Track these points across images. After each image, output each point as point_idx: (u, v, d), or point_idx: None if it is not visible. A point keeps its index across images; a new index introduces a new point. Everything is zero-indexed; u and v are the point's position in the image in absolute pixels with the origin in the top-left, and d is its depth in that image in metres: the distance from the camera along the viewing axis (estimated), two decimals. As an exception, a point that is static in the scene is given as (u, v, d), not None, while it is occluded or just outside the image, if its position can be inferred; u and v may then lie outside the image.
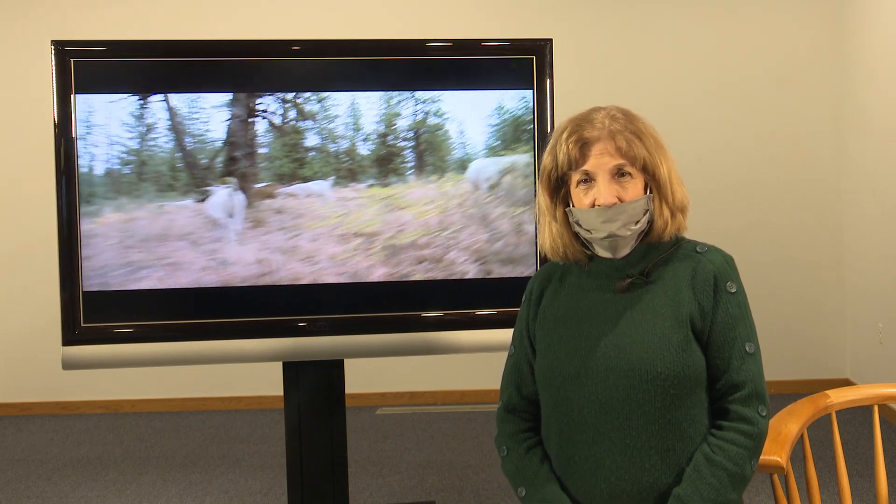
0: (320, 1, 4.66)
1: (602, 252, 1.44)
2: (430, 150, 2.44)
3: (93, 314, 2.32)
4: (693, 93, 4.68)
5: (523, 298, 1.59)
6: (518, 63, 2.43)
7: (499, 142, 2.42)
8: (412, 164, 2.44)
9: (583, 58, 4.61)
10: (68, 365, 2.33)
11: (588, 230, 1.41)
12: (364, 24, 4.63)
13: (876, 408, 1.65)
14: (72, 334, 2.32)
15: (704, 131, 4.64)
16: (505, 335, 2.41)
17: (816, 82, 4.70)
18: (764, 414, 1.38)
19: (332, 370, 2.48)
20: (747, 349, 1.39)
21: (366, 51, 2.42)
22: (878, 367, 4.28)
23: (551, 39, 2.45)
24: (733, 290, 1.41)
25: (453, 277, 2.42)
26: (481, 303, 2.42)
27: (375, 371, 4.60)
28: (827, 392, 1.66)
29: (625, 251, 1.42)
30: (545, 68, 2.43)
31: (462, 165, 2.43)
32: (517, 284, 2.43)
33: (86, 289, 2.32)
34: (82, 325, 2.32)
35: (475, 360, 4.31)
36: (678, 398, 1.36)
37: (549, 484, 1.44)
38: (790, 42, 4.70)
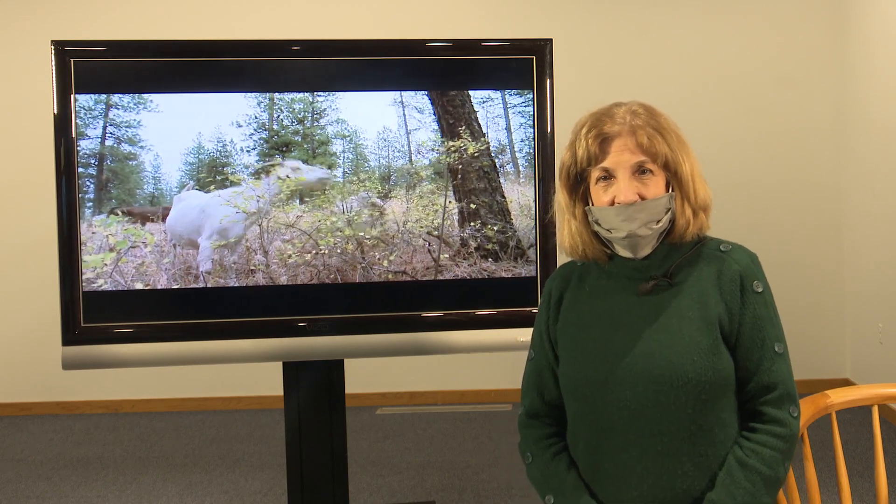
0: (320, 1, 4.66)
1: (622, 251, 1.40)
2: (115, 182, 2.25)
3: (93, 314, 2.32)
4: (692, 92, 4.67)
5: (541, 301, 1.54)
6: (518, 63, 2.43)
7: (191, 181, 2.29)
8: (91, 196, 2.25)
9: (582, 58, 4.61)
10: (68, 365, 2.33)
11: (608, 229, 1.38)
12: (364, 24, 4.63)
13: (876, 408, 1.65)
14: (72, 334, 2.32)
15: (704, 131, 4.63)
16: (505, 335, 2.43)
17: (816, 81, 4.70)
18: (795, 415, 1.35)
19: (332, 370, 2.48)
20: (776, 350, 1.36)
21: (366, 51, 2.42)
22: (878, 367, 4.28)
23: (551, 39, 2.45)
24: (760, 290, 1.37)
25: (453, 277, 2.42)
26: (481, 303, 2.42)
27: (375, 371, 4.60)
28: (827, 392, 1.66)
29: (646, 251, 1.39)
30: (545, 68, 2.43)
31: (151, 202, 2.26)
32: (517, 284, 2.43)
33: (86, 289, 2.32)
34: (82, 325, 2.32)
35: (475, 360, 4.32)
36: (709, 403, 1.32)
37: (578, 492, 1.40)
38: (790, 41, 4.70)
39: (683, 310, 1.36)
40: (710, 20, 4.71)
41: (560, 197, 1.45)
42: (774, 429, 1.34)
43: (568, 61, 3.97)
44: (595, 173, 1.38)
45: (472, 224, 2.41)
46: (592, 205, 1.40)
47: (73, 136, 2.30)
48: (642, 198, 1.35)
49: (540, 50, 2.43)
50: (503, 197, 2.42)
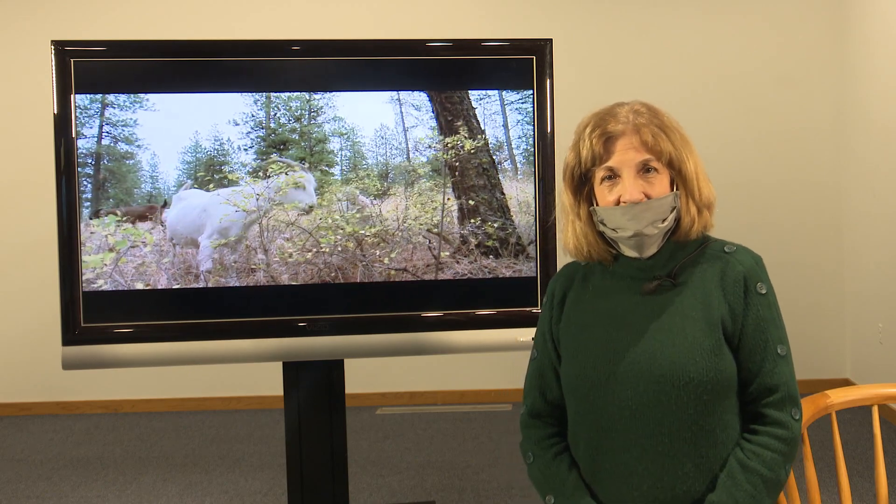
0: (320, 1, 4.66)
1: (628, 251, 1.39)
2: (112, 182, 2.25)
3: (93, 314, 2.32)
4: (692, 92, 4.67)
5: (544, 301, 1.54)
6: (518, 63, 2.43)
7: (189, 180, 2.29)
8: (88, 195, 2.24)
9: (582, 58, 4.61)
10: (68, 365, 2.33)
11: (614, 229, 1.37)
12: (364, 24, 4.63)
13: (876, 408, 1.65)
14: (72, 334, 2.32)
15: (704, 131, 4.62)
16: (505, 335, 2.43)
17: (816, 81, 4.70)
18: (797, 417, 1.35)
19: (332, 370, 2.48)
20: (779, 351, 1.35)
21: (366, 51, 2.42)
22: (878, 367, 4.28)
23: (551, 39, 2.45)
24: (763, 292, 1.37)
25: (453, 277, 2.42)
26: (481, 303, 2.42)
27: (375, 371, 4.60)
28: (827, 392, 1.66)
29: (651, 250, 1.38)
30: (545, 68, 2.43)
31: (149, 201, 2.25)
32: (517, 284, 2.43)
33: (86, 289, 2.32)
34: (82, 325, 2.32)
35: (475, 360, 4.32)
36: (711, 404, 1.32)
37: (579, 493, 1.40)
38: (790, 41, 4.70)
39: (686, 310, 1.36)
40: (710, 20, 4.71)
41: (564, 198, 1.44)
42: (776, 431, 1.34)
43: (568, 61, 3.97)
44: (599, 173, 1.37)
45: (471, 221, 2.41)
46: (597, 205, 1.39)
47: (73, 136, 2.30)
48: (648, 196, 1.34)
49: (540, 50, 2.43)
50: (502, 194, 2.42)
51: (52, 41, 2.31)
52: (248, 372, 4.39)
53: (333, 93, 2.37)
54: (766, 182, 4.71)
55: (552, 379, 1.49)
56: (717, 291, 1.37)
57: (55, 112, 2.30)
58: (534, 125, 2.42)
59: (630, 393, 1.34)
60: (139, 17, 4.61)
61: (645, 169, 1.35)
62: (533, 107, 2.43)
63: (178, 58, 2.40)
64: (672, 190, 1.37)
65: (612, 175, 1.36)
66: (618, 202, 1.35)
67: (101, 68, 2.34)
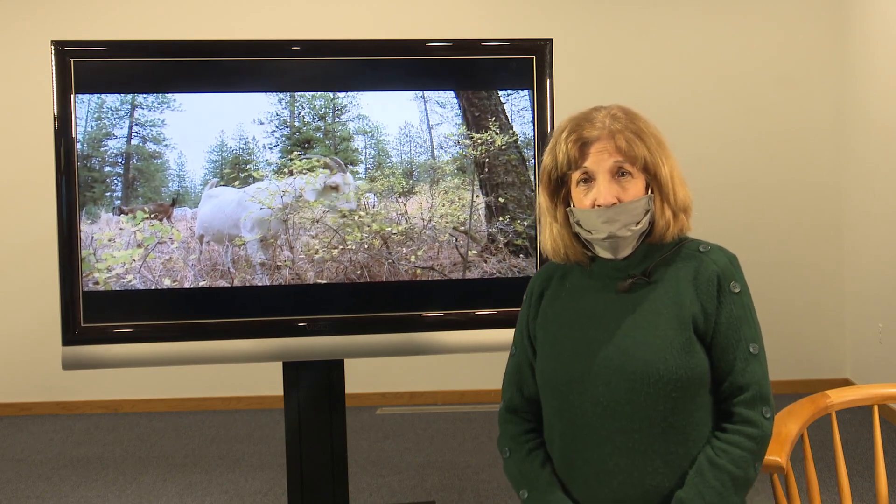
0: (320, 1, 4.67)
1: (603, 253, 1.42)
2: (141, 180, 2.28)
3: (93, 314, 2.32)
4: (692, 92, 4.68)
5: (524, 298, 1.57)
6: (518, 63, 2.43)
7: (216, 178, 2.31)
8: (118, 194, 2.27)
9: (582, 58, 4.61)
10: (68, 365, 2.33)
11: (588, 231, 1.40)
12: (364, 23, 4.63)
13: (876, 408, 1.65)
14: (72, 334, 2.32)
15: (704, 131, 4.64)
16: (505, 335, 2.42)
17: (816, 81, 4.70)
18: (768, 416, 1.37)
19: (332, 370, 2.48)
20: (751, 350, 1.37)
21: (366, 51, 2.42)
22: (878, 367, 4.28)
23: (551, 39, 2.45)
24: (737, 290, 1.39)
25: (453, 277, 2.42)
26: (481, 303, 2.42)
27: (375, 371, 4.60)
28: (827, 392, 1.66)
29: (626, 252, 1.41)
30: (545, 68, 2.43)
31: (175, 199, 2.27)
32: (517, 284, 2.43)
33: (86, 289, 2.32)
34: (82, 325, 2.32)
35: (475, 360, 4.31)
36: (681, 401, 1.34)
37: (551, 488, 1.42)
38: (790, 41, 4.70)
39: (659, 308, 1.38)
40: (710, 20, 4.71)
41: (541, 200, 1.47)
42: (746, 429, 1.35)
43: (568, 61, 3.97)
44: (575, 176, 1.40)
45: (500, 219, 2.40)
46: (574, 207, 1.42)
47: (73, 136, 2.30)
48: (621, 201, 1.37)
49: (540, 50, 2.43)
50: (532, 191, 2.41)
51: (52, 41, 2.31)
52: (248, 372, 4.39)
53: (333, 93, 2.37)
54: (766, 182, 4.71)
55: (529, 375, 1.52)
56: (690, 290, 1.39)
57: (55, 112, 2.30)
58: (534, 125, 2.42)
59: (603, 390, 1.36)
60: (139, 17, 4.61)
61: (619, 173, 1.37)
62: (533, 107, 2.43)
63: (178, 58, 2.40)
64: (647, 193, 1.39)
65: (588, 179, 1.39)
66: (593, 205, 1.38)
67: (101, 68, 2.34)
